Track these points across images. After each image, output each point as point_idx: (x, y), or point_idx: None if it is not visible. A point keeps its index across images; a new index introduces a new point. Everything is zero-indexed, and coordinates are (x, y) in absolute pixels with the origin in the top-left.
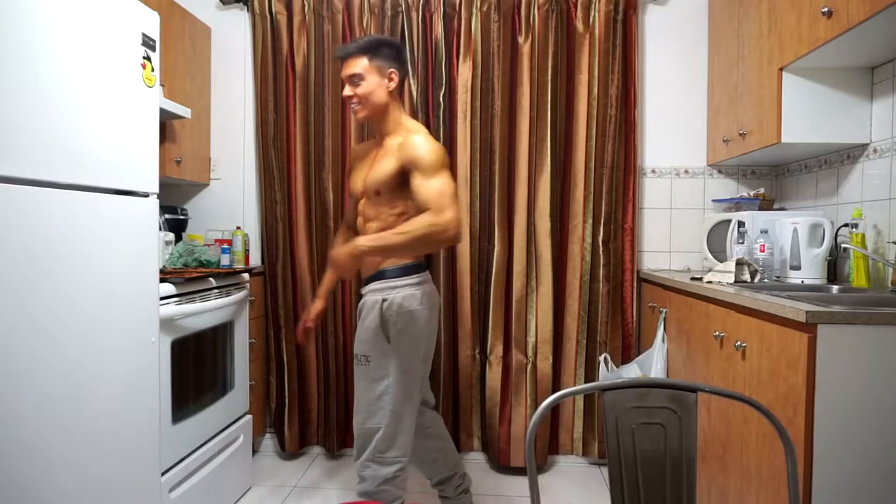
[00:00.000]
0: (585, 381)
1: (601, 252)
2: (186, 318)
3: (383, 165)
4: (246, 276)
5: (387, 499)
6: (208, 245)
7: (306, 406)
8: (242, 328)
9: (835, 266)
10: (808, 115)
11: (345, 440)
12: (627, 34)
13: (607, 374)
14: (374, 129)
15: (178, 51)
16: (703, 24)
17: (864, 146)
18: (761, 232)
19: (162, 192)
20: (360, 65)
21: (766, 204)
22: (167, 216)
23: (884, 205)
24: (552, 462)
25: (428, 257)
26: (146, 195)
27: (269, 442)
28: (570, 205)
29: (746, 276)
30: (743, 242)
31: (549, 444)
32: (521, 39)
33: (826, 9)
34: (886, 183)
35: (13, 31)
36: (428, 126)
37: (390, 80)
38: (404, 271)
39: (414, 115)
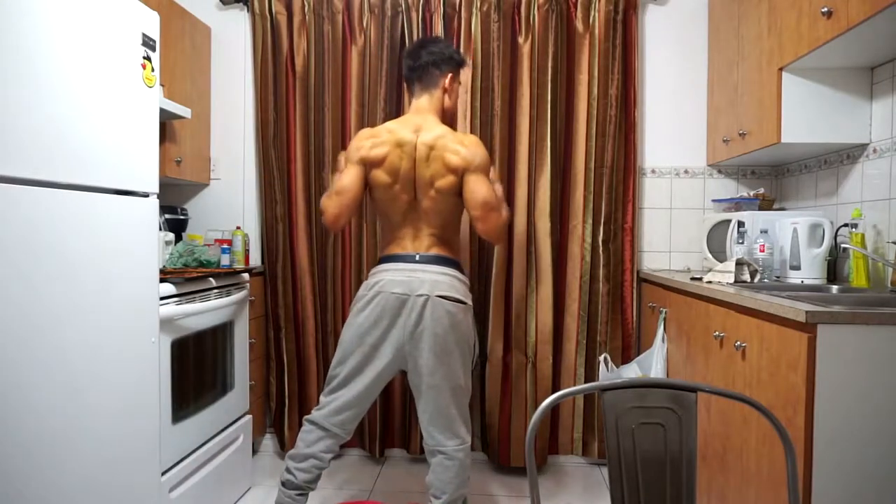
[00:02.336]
0: (585, 381)
1: (601, 252)
2: (186, 318)
3: None
4: (246, 276)
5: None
6: (208, 245)
7: (306, 406)
8: (242, 328)
9: (835, 266)
10: (808, 115)
11: None
12: (627, 34)
13: (607, 374)
14: None
15: (178, 51)
16: (703, 24)
17: (863, 146)
18: (761, 232)
19: (162, 192)
20: None
21: (765, 204)
22: (167, 216)
23: (884, 205)
24: (552, 462)
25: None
26: (146, 195)
27: (269, 442)
28: (570, 205)
29: (746, 276)
30: (743, 242)
31: (549, 444)
32: (521, 39)
33: (826, 9)
34: (886, 183)
35: (13, 31)
36: None
37: None
38: None
39: None
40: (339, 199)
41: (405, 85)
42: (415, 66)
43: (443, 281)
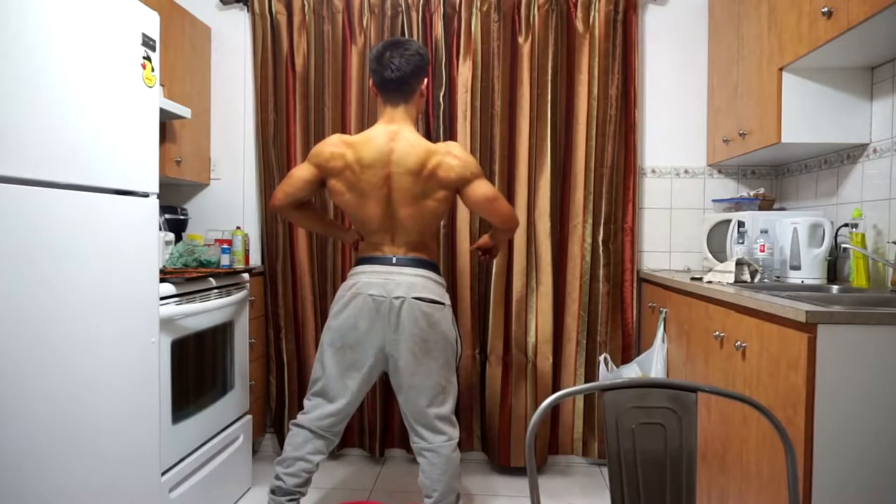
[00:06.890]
0: (585, 381)
1: (601, 252)
2: (186, 318)
3: None
4: (246, 276)
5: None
6: (208, 245)
7: None
8: (242, 328)
9: (835, 266)
10: (808, 115)
11: (344, 440)
12: (627, 34)
13: (607, 374)
14: None
15: (178, 51)
16: (703, 24)
17: (864, 146)
18: (761, 232)
19: (162, 192)
20: None
21: (766, 204)
22: (167, 216)
23: (884, 205)
24: (552, 462)
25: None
26: (146, 195)
27: (269, 442)
28: (570, 205)
29: (746, 276)
30: (743, 242)
31: (549, 444)
32: (521, 39)
33: (826, 9)
34: (886, 183)
35: (13, 31)
36: (428, 126)
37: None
38: None
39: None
40: (283, 185)
41: (373, 87)
42: (394, 77)
43: (418, 283)
